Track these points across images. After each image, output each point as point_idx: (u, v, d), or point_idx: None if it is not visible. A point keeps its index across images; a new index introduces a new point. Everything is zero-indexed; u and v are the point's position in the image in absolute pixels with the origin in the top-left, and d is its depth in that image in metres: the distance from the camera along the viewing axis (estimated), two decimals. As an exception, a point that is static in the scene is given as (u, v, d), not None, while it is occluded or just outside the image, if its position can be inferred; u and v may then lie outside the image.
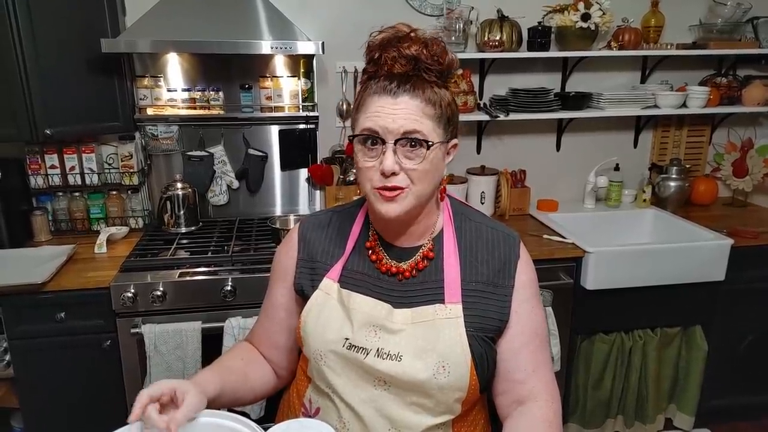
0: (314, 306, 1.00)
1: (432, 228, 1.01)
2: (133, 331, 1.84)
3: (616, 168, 2.65)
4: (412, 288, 0.98)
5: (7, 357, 1.88)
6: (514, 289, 0.99)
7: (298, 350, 1.10)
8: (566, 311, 2.18)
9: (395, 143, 0.87)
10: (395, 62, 0.87)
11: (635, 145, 2.77)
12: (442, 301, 0.95)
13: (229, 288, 1.88)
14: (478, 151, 2.64)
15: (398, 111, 0.87)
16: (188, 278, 1.89)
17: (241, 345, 1.12)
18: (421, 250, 0.99)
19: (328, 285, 1.00)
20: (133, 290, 1.83)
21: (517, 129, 2.62)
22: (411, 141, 0.87)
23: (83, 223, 2.30)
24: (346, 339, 0.96)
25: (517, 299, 0.99)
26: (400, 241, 1.00)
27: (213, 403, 0.91)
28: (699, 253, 2.19)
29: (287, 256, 1.07)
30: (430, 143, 0.88)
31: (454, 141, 0.96)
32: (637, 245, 2.26)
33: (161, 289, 1.85)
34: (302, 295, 1.04)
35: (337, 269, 1.01)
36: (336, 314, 0.98)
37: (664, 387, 2.35)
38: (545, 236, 2.27)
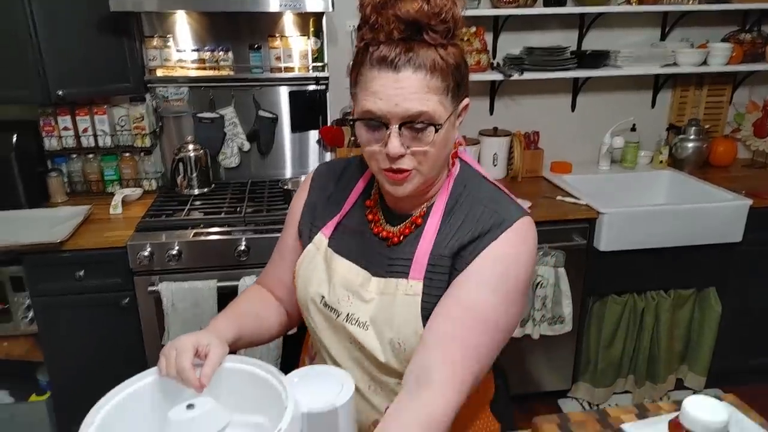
0: (305, 257, 1.01)
1: (434, 196, 0.95)
2: (150, 289, 1.87)
3: (633, 129, 2.61)
4: (392, 257, 0.94)
5: (30, 313, 1.93)
6: (470, 264, 0.86)
7: None
8: (579, 272, 2.18)
9: (400, 127, 0.81)
10: (393, 28, 0.79)
11: (653, 105, 2.71)
12: (406, 275, 0.90)
13: (242, 248, 1.90)
14: (491, 112, 2.60)
15: (401, 90, 0.79)
16: (202, 238, 1.91)
17: (251, 289, 1.13)
18: (412, 216, 0.95)
19: (320, 240, 1.00)
20: (149, 249, 1.86)
21: (531, 89, 2.57)
22: (416, 125, 0.81)
23: (98, 184, 2.32)
24: (322, 297, 0.97)
25: (467, 271, 0.86)
26: (400, 205, 0.96)
27: (230, 347, 0.92)
28: (716, 214, 2.16)
29: (299, 198, 1.08)
30: (438, 126, 0.81)
31: (465, 102, 0.89)
32: (653, 206, 2.23)
33: (177, 248, 1.87)
34: (302, 240, 1.05)
35: (330, 226, 1.00)
36: (319, 270, 0.98)
37: (677, 347, 2.36)
38: (558, 198, 2.25)
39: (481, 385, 1.06)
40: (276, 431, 0.72)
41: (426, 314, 0.87)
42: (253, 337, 1.03)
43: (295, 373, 0.88)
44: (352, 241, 0.98)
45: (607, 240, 2.13)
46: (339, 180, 1.05)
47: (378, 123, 0.82)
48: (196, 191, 2.28)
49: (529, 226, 0.90)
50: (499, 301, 0.85)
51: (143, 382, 0.86)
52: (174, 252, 1.87)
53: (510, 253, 0.86)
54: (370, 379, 0.96)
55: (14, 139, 2.09)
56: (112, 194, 2.20)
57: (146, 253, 1.85)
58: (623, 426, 0.96)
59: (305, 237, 1.03)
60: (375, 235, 0.96)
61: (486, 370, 0.87)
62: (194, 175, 2.27)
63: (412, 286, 0.89)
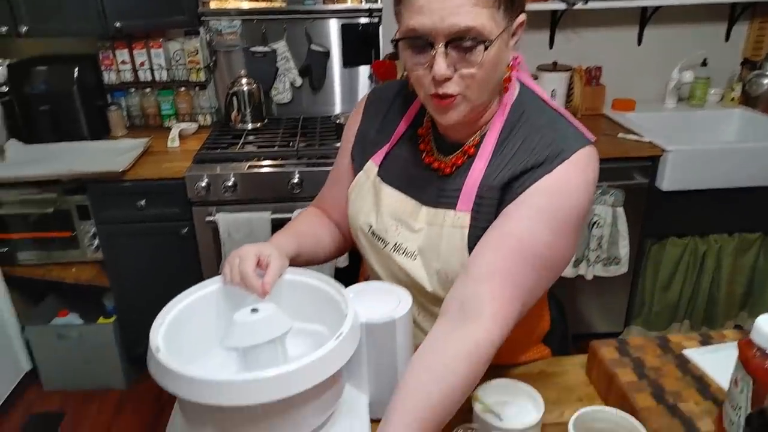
0: (356, 185, 1.00)
1: (488, 123, 0.89)
2: (207, 219, 1.93)
3: (704, 63, 2.44)
4: (443, 187, 0.91)
5: (96, 241, 2.03)
6: (520, 195, 0.82)
7: None
8: (637, 213, 2.10)
9: (446, 45, 0.75)
10: None
11: (727, 38, 2.52)
12: (454, 206, 0.88)
13: (296, 180, 1.92)
14: (551, 46, 2.48)
15: (446, 4, 0.72)
16: (257, 170, 1.94)
17: (308, 211, 1.14)
18: (464, 146, 0.90)
19: (370, 168, 0.99)
20: (206, 180, 1.90)
21: (595, 20, 2.42)
22: (464, 43, 0.74)
23: (155, 119, 2.38)
24: (370, 226, 0.96)
25: (517, 202, 0.82)
26: (452, 134, 0.91)
27: (290, 263, 0.94)
28: (791, 154, 2.03)
29: (353, 123, 1.06)
30: (489, 42, 0.74)
31: (521, 18, 0.80)
32: (722, 144, 2.11)
33: (232, 179, 1.91)
34: (354, 165, 1.04)
35: (381, 154, 0.98)
36: (368, 199, 0.98)
37: (737, 293, 2.27)
38: (620, 135, 2.15)
39: (536, 320, 1.05)
40: (337, 335, 0.74)
41: (473, 246, 0.84)
42: (310, 256, 1.04)
43: (352, 288, 0.89)
44: (402, 171, 0.96)
45: (670, 179, 2.03)
46: (391, 106, 1.01)
47: (423, 42, 0.76)
48: (250, 126, 2.30)
49: (590, 157, 0.82)
50: (549, 235, 0.80)
51: (209, 288, 0.89)
52: (230, 183, 1.90)
53: (565, 187, 0.80)
54: (419, 307, 0.96)
55: (75, 73, 2.15)
56: (169, 129, 2.25)
57: (203, 184, 1.90)
58: (686, 351, 0.93)
59: (357, 163, 1.02)
60: (427, 166, 0.93)
61: (530, 305, 0.83)
62: (248, 110, 2.29)
63: (459, 218, 0.87)
